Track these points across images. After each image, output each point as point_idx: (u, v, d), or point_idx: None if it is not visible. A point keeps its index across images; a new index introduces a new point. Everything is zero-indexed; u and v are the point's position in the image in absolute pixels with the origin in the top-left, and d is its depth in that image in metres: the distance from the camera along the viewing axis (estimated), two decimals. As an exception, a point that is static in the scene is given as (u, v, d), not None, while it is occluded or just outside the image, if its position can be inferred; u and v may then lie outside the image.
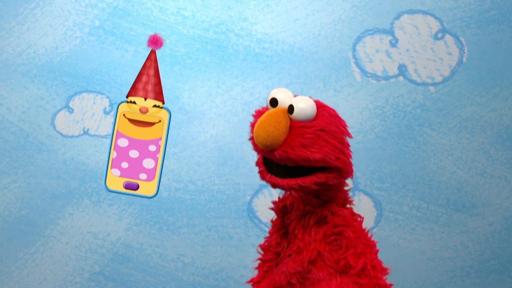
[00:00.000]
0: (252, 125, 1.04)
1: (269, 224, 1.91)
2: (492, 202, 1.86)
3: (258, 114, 1.05)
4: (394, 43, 1.92)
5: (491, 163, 1.87)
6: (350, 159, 1.06)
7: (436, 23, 1.92)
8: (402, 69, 1.91)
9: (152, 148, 1.15)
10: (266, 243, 1.14)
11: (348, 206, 1.09)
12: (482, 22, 1.91)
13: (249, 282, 1.14)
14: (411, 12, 1.92)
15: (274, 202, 1.15)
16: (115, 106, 1.15)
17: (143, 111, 1.14)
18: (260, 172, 1.06)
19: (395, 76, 1.91)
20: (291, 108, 1.02)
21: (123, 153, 1.13)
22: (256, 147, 1.04)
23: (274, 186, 1.05)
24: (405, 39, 1.92)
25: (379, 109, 1.90)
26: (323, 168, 1.03)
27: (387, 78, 1.91)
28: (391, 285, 1.07)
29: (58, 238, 1.92)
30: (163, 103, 1.18)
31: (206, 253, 1.89)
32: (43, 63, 1.97)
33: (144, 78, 1.17)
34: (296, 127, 1.01)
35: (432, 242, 1.86)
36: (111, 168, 1.13)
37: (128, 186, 1.14)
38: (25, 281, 1.91)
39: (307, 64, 1.93)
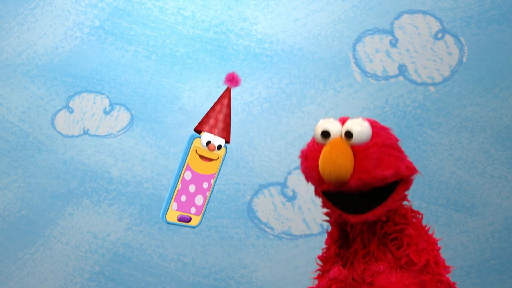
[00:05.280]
0: (307, 166, 1.00)
1: (269, 224, 1.92)
2: (492, 202, 1.86)
3: (307, 152, 1.00)
4: (394, 43, 1.92)
5: (491, 163, 1.87)
6: (408, 159, 1.04)
7: (436, 23, 1.92)
8: (402, 69, 1.91)
9: (205, 185, 1.19)
10: (324, 254, 1.11)
11: (406, 203, 1.06)
12: (482, 22, 1.91)
13: None
14: (411, 12, 1.92)
15: (327, 214, 1.08)
16: (188, 139, 1.16)
17: (212, 149, 1.16)
18: (339, 216, 1.01)
19: (395, 76, 1.91)
20: (349, 134, 0.98)
21: (185, 186, 1.17)
22: (321, 186, 0.99)
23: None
24: (405, 39, 1.92)
25: (379, 109, 1.90)
26: (393, 182, 1.00)
27: (387, 78, 1.91)
28: (454, 283, 1.05)
29: (58, 238, 1.92)
30: (229, 143, 1.20)
31: (206, 253, 1.89)
32: (43, 63, 1.97)
33: (220, 116, 1.20)
34: (360, 151, 0.97)
35: (432, 242, 1.86)
36: (173, 201, 1.16)
37: (182, 219, 1.18)
38: (25, 281, 1.91)
39: (307, 64, 1.93)
